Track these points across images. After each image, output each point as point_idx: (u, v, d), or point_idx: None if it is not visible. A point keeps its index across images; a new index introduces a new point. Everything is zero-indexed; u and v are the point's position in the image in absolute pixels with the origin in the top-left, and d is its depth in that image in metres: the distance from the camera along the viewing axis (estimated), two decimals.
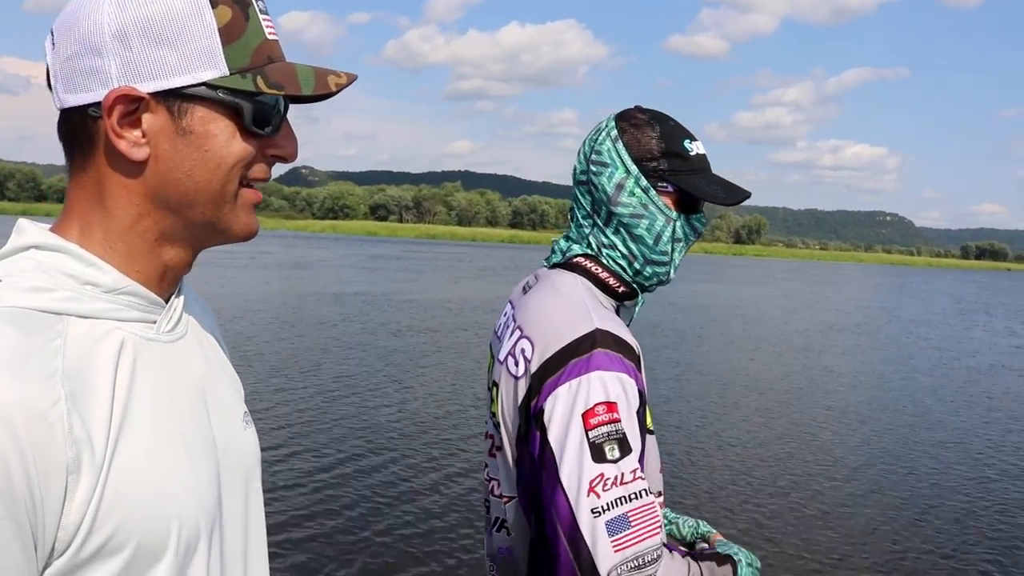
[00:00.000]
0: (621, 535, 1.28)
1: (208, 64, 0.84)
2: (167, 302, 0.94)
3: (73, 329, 0.80)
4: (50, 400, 0.73)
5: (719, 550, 1.53)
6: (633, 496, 1.31)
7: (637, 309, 1.62)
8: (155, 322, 0.91)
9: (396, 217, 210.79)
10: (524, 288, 1.65)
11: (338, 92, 0.91)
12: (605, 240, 1.56)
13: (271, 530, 1.36)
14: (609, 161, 1.54)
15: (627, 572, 1.28)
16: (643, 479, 1.34)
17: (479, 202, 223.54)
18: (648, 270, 1.56)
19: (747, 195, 1.56)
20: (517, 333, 1.52)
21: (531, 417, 1.41)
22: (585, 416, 1.33)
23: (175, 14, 0.83)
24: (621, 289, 1.55)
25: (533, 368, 1.43)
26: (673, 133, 1.55)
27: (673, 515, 1.74)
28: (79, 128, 0.86)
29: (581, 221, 1.60)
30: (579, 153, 1.61)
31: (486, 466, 1.64)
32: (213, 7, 0.85)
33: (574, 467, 1.31)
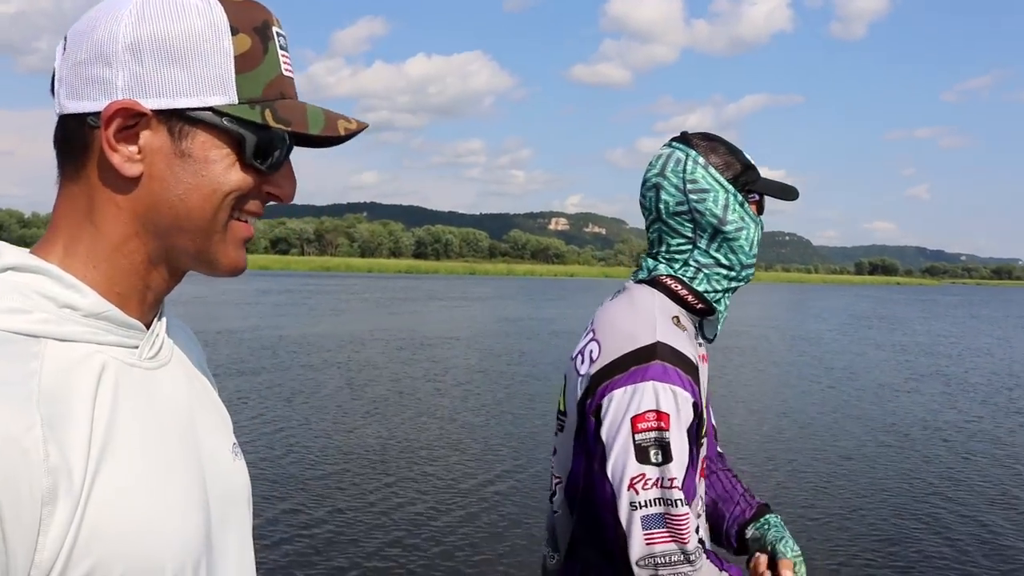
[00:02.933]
0: (653, 531, 1.43)
1: (218, 90, 0.83)
2: (148, 327, 0.90)
3: (51, 352, 0.77)
4: (25, 425, 0.70)
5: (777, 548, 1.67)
6: (669, 502, 1.44)
7: (720, 324, 1.74)
8: (136, 347, 0.87)
9: (298, 250, 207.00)
10: (611, 297, 1.75)
11: (347, 137, 0.90)
12: (707, 260, 1.67)
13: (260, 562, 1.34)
14: (708, 187, 1.65)
15: (652, 567, 1.42)
16: (679, 489, 1.45)
17: (382, 233, 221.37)
18: (744, 274, 1.71)
19: (797, 190, 1.80)
20: (590, 335, 1.66)
21: (588, 412, 1.56)
22: (634, 420, 1.46)
23: (193, 35, 0.82)
24: (699, 306, 1.66)
25: (594, 369, 1.57)
26: (736, 149, 1.71)
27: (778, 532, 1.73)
28: (75, 136, 0.84)
29: (676, 248, 1.68)
30: (663, 188, 1.68)
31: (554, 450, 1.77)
32: (233, 34, 0.83)
33: (618, 463, 1.46)
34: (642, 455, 1.45)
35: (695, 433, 1.54)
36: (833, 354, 20.78)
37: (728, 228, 1.66)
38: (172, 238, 0.86)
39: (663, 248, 1.71)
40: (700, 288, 1.67)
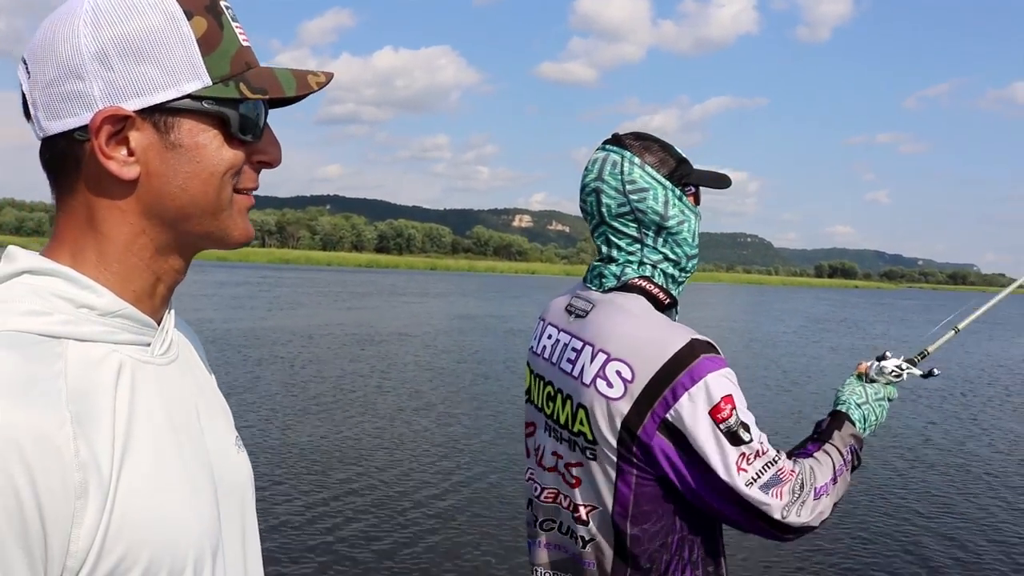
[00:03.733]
0: (773, 488, 1.56)
1: (190, 76, 0.85)
2: (159, 323, 0.93)
3: (72, 352, 0.80)
4: (56, 423, 0.73)
5: (838, 408, 1.88)
6: (773, 461, 1.58)
7: (676, 317, 1.77)
8: (148, 344, 0.90)
9: (258, 242, 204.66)
10: (571, 311, 1.78)
11: (319, 91, 0.93)
12: (656, 257, 1.73)
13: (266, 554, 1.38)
14: (647, 185, 1.70)
15: (793, 504, 1.58)
16: (768, 443, 1.60)
17: (344, 226, 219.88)
18: (690, 264, 1.77)
19: (729, 178, 1.84)
20: (602, 356, 1.64)
21: (653, 428, 1.57)
22: (713, 413, 1.54)
23: (152, 29, 0.83)
24: (668, 301, 1.72)
25: (639, 388, 1.58)
26: (668, 145, 1.76)
27: None
28: (65, 154, 0.85)
29: (627, 249, 1.73)
30: (603, 191, 1.72)
31: (542, 484, 1.80)
32: (188, 18, 0.85)
33: (720, 457, 1.53)
34: (734, 439, 1.54)
35: None
36: (790, 357, 20.69)
37: (671, 223, 1.71)
38: (181, 225, 0.88)
39: (614, 251, 1.75)
40: (661, 284, 1.73)
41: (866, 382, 1.95)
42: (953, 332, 2.19)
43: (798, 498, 1.59)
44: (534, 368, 1.88)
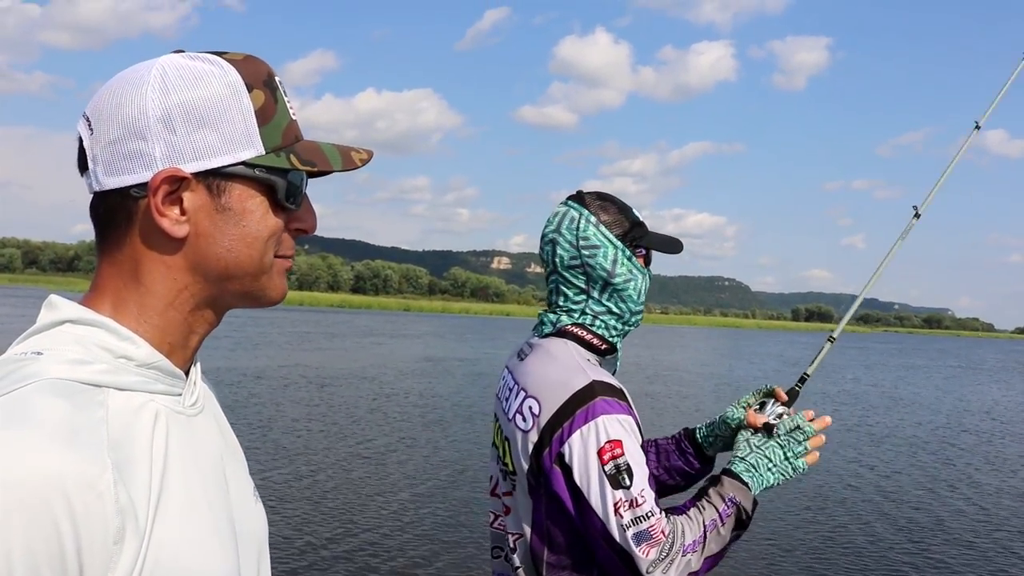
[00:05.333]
0: (644, 543, 1.61)
1: (246, 144, 0.90)
2: (187, 374, 0.96)
3: (113, 401, 0.83)
4: (99, 470, 0.75)
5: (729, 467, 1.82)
6: (648, 514, 1.63)
7: (619, 362, 1.93)
8: (179, 395, 0.93)
9: None
10: (519, 355, 1.92)
11: (361, 167, 0.99)
12: (600, 309, 1.85)
13: None
14: (599, 243, 1.83)
15: (660, 563, 1.61)
16: (649, 499, 1.64)
17: (321, 266, 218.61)
18: (633, 319, 1.90)
19: (682, 243, 1.99)
20: (522, 394, 1.79)
21: (550, 462, 1.70)
22: (599, 454, 1.63)
23: (216, 99, 0.89)
24: (604, 347, 1.85)
25: (543, 422, 1.71)
26: (626, 207, 1.90)
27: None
28: (117, 209, 0.89)
29: (573, 299, 1.87)
30: (558, 243, 1.86)
31: (497, 513, 1.94)
32: (249, 91, 0.91)
33: (599, 495, 1.62)
34: (615, 483, 1.61)
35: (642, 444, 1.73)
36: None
37: (617, 280, 1.84)
38: (224, 284, 0.92)
39: (561, 299, 1.88)
40: (600, 333, 1.85)
41: (752, 433, 1.93)
42: (829, 343, 2.25)
43: (666, 557, 1.62)
44: (495, 408, 1.98)
